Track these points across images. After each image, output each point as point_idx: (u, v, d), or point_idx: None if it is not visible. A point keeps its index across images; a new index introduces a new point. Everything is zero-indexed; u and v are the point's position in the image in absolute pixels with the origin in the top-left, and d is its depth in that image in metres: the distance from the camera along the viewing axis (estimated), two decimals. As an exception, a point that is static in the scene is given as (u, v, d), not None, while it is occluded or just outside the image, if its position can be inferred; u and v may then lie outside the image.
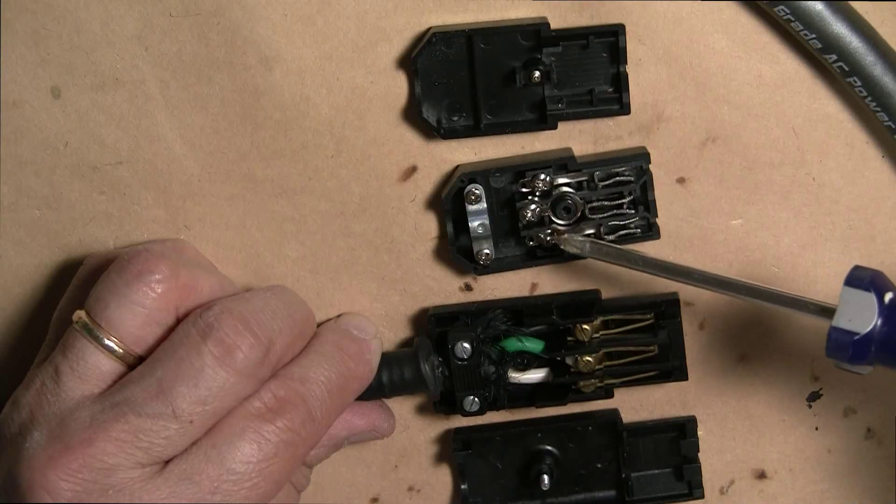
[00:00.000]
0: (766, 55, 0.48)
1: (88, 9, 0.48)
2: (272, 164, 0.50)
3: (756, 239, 0.51)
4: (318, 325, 0.50)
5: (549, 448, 0.53)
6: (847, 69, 0.46)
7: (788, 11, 0.46)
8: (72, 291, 0.48)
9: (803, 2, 0.45)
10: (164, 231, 0.50)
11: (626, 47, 0.48)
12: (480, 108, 0.48)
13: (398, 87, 0.49)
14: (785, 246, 0.51)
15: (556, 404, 0.52)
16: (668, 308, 0.51)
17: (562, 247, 0.49)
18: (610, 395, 0.52)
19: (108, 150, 0.49)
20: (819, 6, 0.45)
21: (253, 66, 0.48)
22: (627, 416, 0.53)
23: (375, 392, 0.50)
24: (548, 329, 0.51)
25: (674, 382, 0.52)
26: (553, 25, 0.47)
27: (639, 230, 0.50)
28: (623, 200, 0.49)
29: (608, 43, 0.48)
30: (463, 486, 0.53)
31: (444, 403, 0.52)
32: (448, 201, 0.49)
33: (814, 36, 0.46)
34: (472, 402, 0.51)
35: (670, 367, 0.51)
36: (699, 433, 0.53)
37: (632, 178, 0.49)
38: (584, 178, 0.49)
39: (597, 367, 0.50)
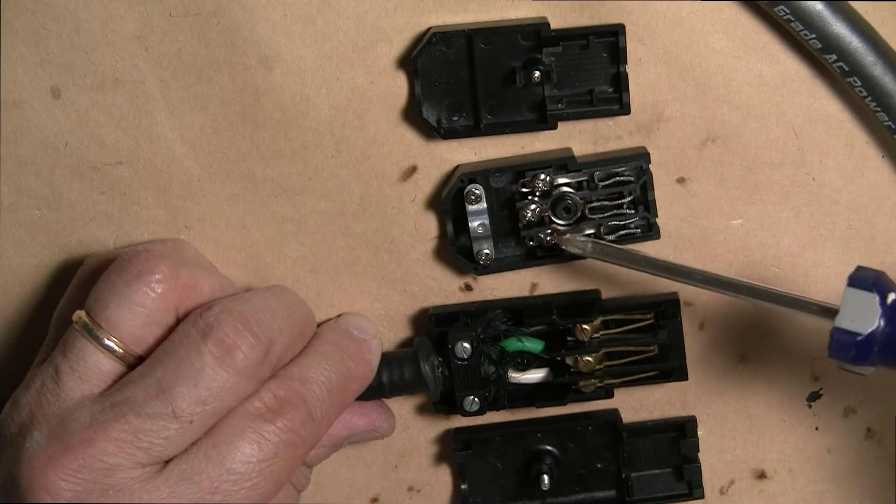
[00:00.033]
0: (766, 55, 0.48)
1: (88, 9, 0.48)
2: (272, 164, 0.50)
3: (756, 239, 0.51)
4: (318, 325, 0.50)
5: (549, 448, 0.53)
6: (847, 69, 0.46)
7: (788, 11, 0.46)
8: (72, 291, 0.48)
9: (803, 2, 0.45)
10: (164, 231, 0.50)
11: (626, 47, 0.48)
12: (480, 108, 0.48)
13: (398, 87, 0.49)
14: (785, 246, 0.51)
15: (556, 404, 0.52)
16: (668, 308, 0.51)
17: (563, 247, 0.49)
18: (610, 395, 0.52)
19: (108, 150, 0.49)
20: (819, 6, 0.45)
21: (253, 66, 0.48)
22: (627, 416, 0.53)
23: (375, 392, 0.50)
24: (548, 329, 0.51)
25: (674, 382, 0.52)
26: (553, 25, 0.47)
27: (639, 230, 0.50)
28: (623, 200, 0.49)
29: (608, 43, 0.48)
30: (463, 486, 0.53)
31: (444, 403, 0.52)
32: (448, 201, 0.49)
33: (814, 36, 0.46)
34: (472, 402, 0.51)
35: (670, 367, 0.51)
36: (699, 433, 0.53)
37: (632, 178, 0.49)
38: (584, 178, 0.49)
39: (597, 367, 0.50)
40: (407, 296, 0.52)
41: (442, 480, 0.55)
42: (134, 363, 0.45)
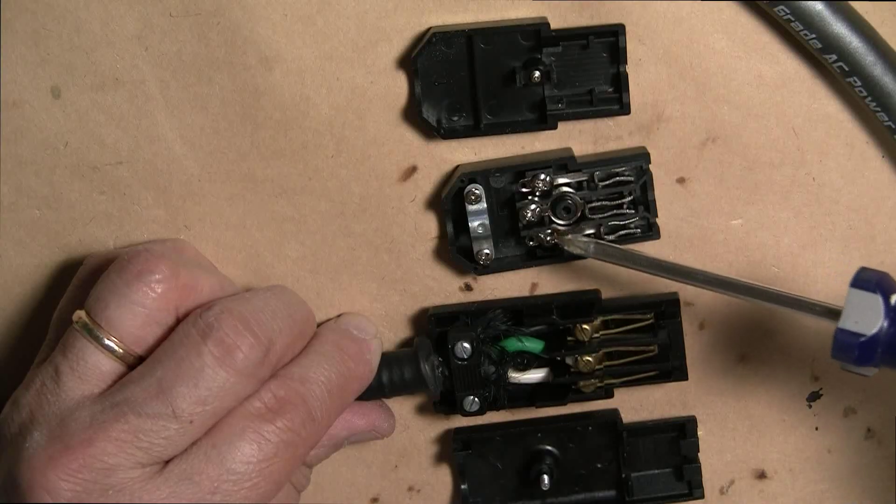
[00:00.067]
0: (766, 55, 0.48)
1: (88, 9, 0.48)
2: (272, 164, 0.50)
3: (756, 239, 0.51)
4: (318, 325, 0.50)
5: (549, 448, 0.53)
6: (847, 69, 0.46)
7: (788, 11, 0.46)
8: (72, 291, 0.48)
9: (803, 2, 0.45)
10: (164, 231, 0.50)
11: (626, 47, 0.48)
12: (480, 108, 0.48)
13: (398, 87, 0.49)
14: (785, 246, 0.51)
15: (556, 404, 0.52)
16: (668, 308, 0.51)
17: (565, 248, 0.49)
18: (610, 395, 0.52)
19: (108, 150, 0.49)
20: (819, 6, 0.45)
21: (253, 66, 0.48)
22: (627, 416, 0.53)
23: (375, 392, 0.50)
24: (548, 329, 0.51)
25: (674, 382, 0.52)
26: (553, 25, 0.47)
27: (639, 230, 0.50)
28: (623, 200, 0.49)
29: (608, 43, 0.48)
30: (463, 486, 0.53)
31: (444, 403, 0.51)
32: (448, 201, 0.49)
33: (814, 36, 0.46)
34: (472, 402, 0.51)
35: (670, 367, 0.51)
36: (699, 433, 0.53)
37: (632, 178, 0.49)
38: (584, 178, 0.49)
39: (597, 367, 0.50)
40: (407, 296, 0.52)
41: (442, 480, 0.55)
42: (134, 363, 0.45)
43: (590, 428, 0.53)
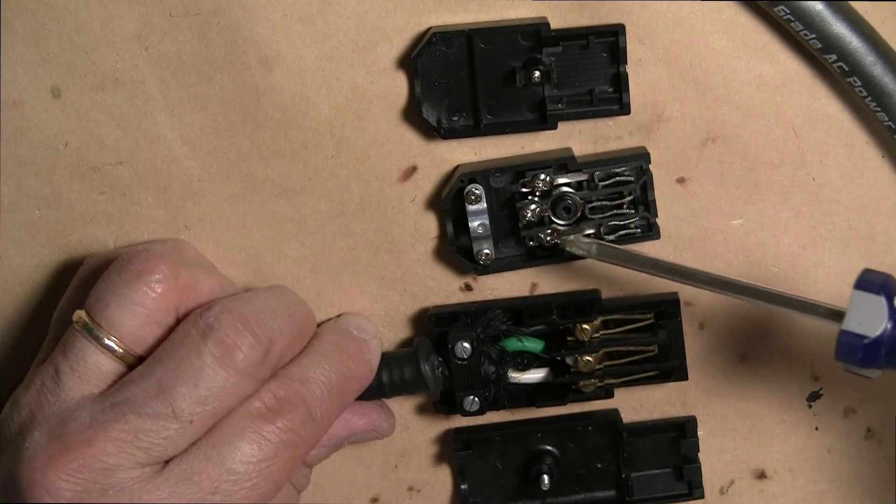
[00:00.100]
0: (766, 55, 0.48)
1: (88, 9, 0.48)
2: (272, 164, 0.50)
3: (756, 239, 0.51)
4: (318, 325, 0.50)
5: (549, 448, 0.53)
6: (847, 69, 0.46)
7: (788, 11, 0.46)
8: (72, 291, 0.48)
9: (803, 2, 0.45)
10: (164, 231, 0.50)
11: (626, 47, 0.48)
12: (480, 108, 0.48)
13: (398, 87, 0.49)
14: (785, 246, 0.51)
15: (556, 404, 0.52)
16: (668, 308, 0.51)
17: (567, 249, 0.49)
18: (610, 395, 0.52)
19: (108, 150, 0.49)
20: (819, 6, 0.45)
21: (253, 66, 0.48)
22: (627, 416, 0.53)
23: (375, 392, 0.50)
24: (548, 329, 0.51)
25: (674, 382, 0.52)
26: (553, 25, 0.47)
27: (639, 230, 0.50)
28: (623, 200, 0.49)
29: (608, 43, 0.48)
30: (463, 486, 0.53)
31: (444, 403, 0.51)
32: (448, 201, 0.49)
33: (814, 36, 0.46)
34: (472, 402, 0.51)
35: (670, 367, 0.51)
36: (699, 433, 0.53)
37: (632, 178, 0.49)
38: (584, 178, 0.49)
39: (597, 366, 0.50)
40: (407, 296, 0.52)
41: (442, 480, 0.55)
42: (134, 363, 0.45)
43: (590, 428, 0.53)
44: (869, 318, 0.40)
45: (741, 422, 0.54)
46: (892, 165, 0.50)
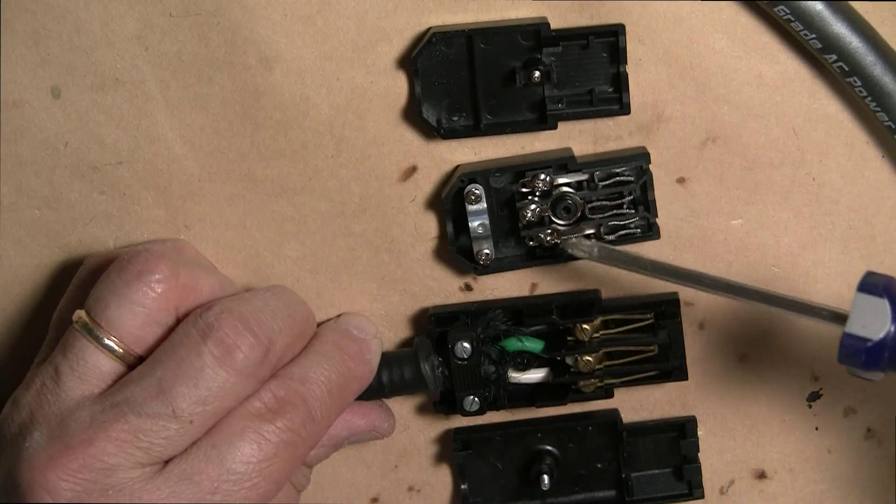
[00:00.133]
0: (766, 55, 0.48)
1: (88, 9, 0.48)
2: (272, 164, 0.50)
3: (756, 239, 0.51)
4: (318, 325, 0.50)
5: (549, 448, 0.53)
6: (847, 69, 0.46)
7: (788, 11, 0.46)
8: (72, 291, 0.48)
9: (803, 2, 0.45)
10: (164, 231, 0.50)
11: (626, 47, 0.48)
12: (480, 108, 0.48)
13: (398, 87, 0.49)
14: (785, 246, 0.51)
15: (556, 404, 0.52)
16: (668, 308, 0.51)
17: (569, 251, 0.48)
18: (610, 395, 0.52)
19: (108, 150, 0.49)
20: (819, 6, 0.45)
21: (253, 66, 0.48)
22: (627, 416, 0.53)
23: (375, 392, 0.50)
24: (548, 329, 0.51)
25: (674, 382, 0.52)
26: (553, 25, 0.47)
27: (639, 230, 0.50)
28: (623, 200, 0.49)
29: (608, 43, 0.48)
30: (463, 486, 0.53)
31: (444, 403, 0.51)
32: (448, 201, 0.49)
33: (814, 36, 0.46)
34: (472, 402, 0.51)
35: (670, 367, 0.51)
36: (699, 433, 0.53)
37: (632, 178, 0.49)
38: (584, 178, 0.49)
39: (597, 366, 0.50)
40: (407, 296, 0.52)
41: (442, 480, 0.55)
42: (134, 363, 0.45)
43: (590, 428, 0.53)
44: (872, 321, 0.40)
45: (741, 422, 0.54)
46: (892, 165, 0.50)
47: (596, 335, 0.51)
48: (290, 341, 0.46)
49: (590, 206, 0.49)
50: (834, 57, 0.46)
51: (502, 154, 0.50)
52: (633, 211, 0.49)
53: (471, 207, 0.49)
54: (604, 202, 0.49)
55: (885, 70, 0.46)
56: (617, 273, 0.51)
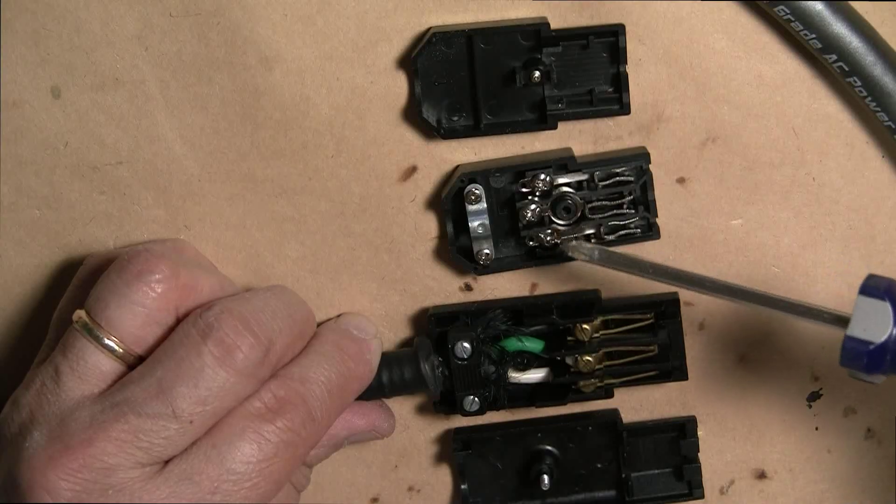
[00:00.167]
0: (766, 55, 0.48)
1: (88, 9, 0.48)
2: (272, 164, 0.50)
3: (756, 239, 0.51)
4: (318, 325, 0.50)
5: (549, 448, 0.53)
6: (847, 69, 0.46)
7: (788, 11, 0.46)
8: (72, 291, 0.48)
9: (803, 2, 0.45)
10: (164, 231, 0.50)
11: (626, 47, 0.48)
12: (480, 108, 0.48)
13: (398, 87, 0.49)
14: (785, 246, 0.51)
15: (556, 404, 0.52)
16: (668, 308, 0.51)
17: (570, 254, 0.48)
18: (610, 395, 0.52)
19: (108, 150, 0.49)
20: (819, 6, 0.45)
21: (253, 66, 0.48)
22: (627, 416, 0.53)
23: (375, 392, 0.50)
24: (548, 329, 0.51)
25: (674, 382, 0.52)
26: (553, 25, 0.47)
27: (639, 230, 0.50)
28: (623, 200, 0.49)
29: (608, 43, 0.48)
30: (463, 486, 0.53)
31: (444, 403, 0.51)
32: (448, 201, 0.49)
33: (814, 36, 0.46)
34: (472, 402, 0.51)
35: (670, 367, 0.51)
36: (699, 433, 0.53)
37: (632, 178, 0.49)
38: (584, 178, 0.49)
39: (597, 366, 0.50)
40: (407, 296, 0.52)
41: (442, 480, 0.55)
42: (134, 363, 0.45)
43: (590, 428, 0.53)
44: (874, 324, 0.40)
45: (741, 422, 0.54)
46: (892, 165, 0.50)
47: (596, 335, 0.51)
48: (290, 341, 0.46)
49: (590, 206, 0.49)
50: (834, 57, 0.46)
51: (502, 154, 0.50)
52: (633, 211, 0.49)
53: (471, 207, 0.49)
54: (604, 202, 0.49)
55: (885, 70, 0.46)
56: (617, 273, 0.51)
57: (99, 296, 0.45)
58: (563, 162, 0.49)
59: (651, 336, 0.51)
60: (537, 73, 0.47)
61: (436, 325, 0.51)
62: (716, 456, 0.54)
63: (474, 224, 0.49)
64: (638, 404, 0.54)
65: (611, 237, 0.49)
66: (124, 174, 0.50)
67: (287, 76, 0.48)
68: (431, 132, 0.49)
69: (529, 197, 0.49)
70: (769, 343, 0.52)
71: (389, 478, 0.55)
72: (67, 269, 0.50)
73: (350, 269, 0.51)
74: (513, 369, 0.51)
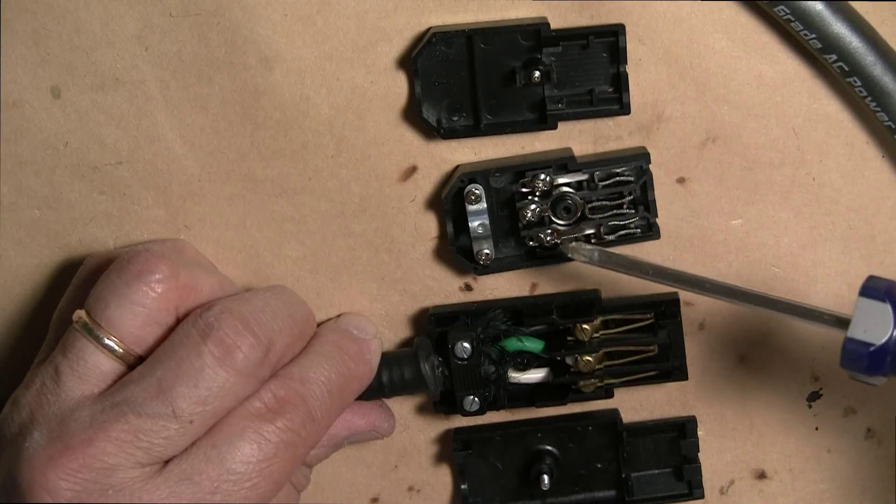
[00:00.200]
0: (766, 55, 0.48)
1: (88, 9, 0.48)
2: (272, 164, 0.50)
3: (756, 239, 0.51)
4: (318, 325, 0.50)
5: (549, 448, 0.53)
6: (847, 69, 0.46)
7: (788, 11, 0.46)
8: (72, 291, 0.48)
9: (803, 2, 0.45)
10: (164, 231, 0.50)
11: (626, 47, 0.48)
12: (480, 108, 0.48)
13: (398, 87, 0.49)
14: (785, 246, 0.51)
15: (556, 404, 0.52)
16: (668, 308, 0.51)
17: (569, 255, 0.48)
18: (610, 395, 0.52)
19: (108, 150, 0.49)
20: (819, 6, 0.45)
21: (253, 66, 0.48)
22: (627, 416, 0.53)
23: (375, 392, 0.50)
24: (548, 329, 0.51)
25: (674, 382, 0.52)
26: (553, 25, 0.47)
27: (639, 230, 0.50)
28: (623, 200, 0.49)
29: (608, 43, 0.48)
30: (463, 486, 0.53)
31: (444, 403, 0.51)
32: (448, 201, 0.49)
33: (814, 36, 0.46)
34: (472, 402, 0.51)
35: (670, 367, 0.51)
36: (699, 433, 0.53)
37: (632, 178, 0.49)
38: (584, 178, 0.49)
39: (597, 366, 0.50)
40: (407, 296, 0.52)
41: (442, 480, 0.55)
42: (134, 363, 0.45)
43: (590, 428, 0.53)
44: (874, 326, 0.40)
45: (741, 422, 0.54)
46: (892, 165, 0.50)
47: (596, 335, 0.51)
48: (290, 341, 0.46)
49: (590, 206, 0.49)
50: (834, 57, 0.46)
51: (502, 154, 0.50)
52: (633, 211, 0.49)
53: (471, 207, 0.49)
54: (604, 202, 0.49)
55: (885, 70, 0.46)
56: (617, 273, 0.51)
57: (99, 296, 0.45)
58: (563, 162, 0.49)
59: (651, 336, 0.51)
60: (537, 73, 0.47)
61: (436, 325, 0.51)
62: (716, 456, 0.54)
63: (474, 224, 0.49)
64: (638, 404, 0.54)
65: (611, 237, 0.49)
66: (124, 174, 0.50)
67: (287, 76, 0.48)
68: (431, 132, 0.49)
69: (529, 197, 0.49)
70: (769, 343, 0.52)
71: (389, 478, 0.55)
72: (67, 269, 0.51)
73: (350, 269, 0.51)
74: (513, 369, 0.51)
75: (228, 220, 0.50)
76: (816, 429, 0.54)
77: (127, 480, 0.42)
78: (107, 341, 0.44)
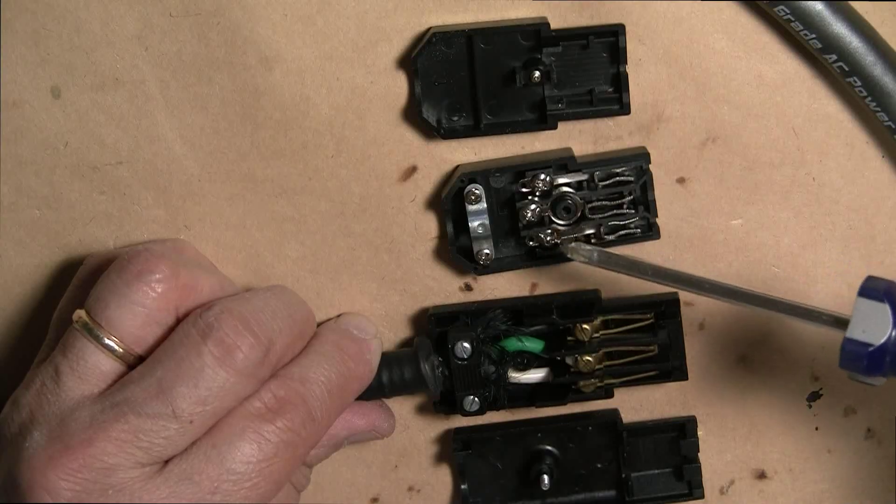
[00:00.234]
0: (766, 55, 0.48)
1: (88, 9, 0.48)
2: (272, 164, 0.50)
3: (756, 239, 0.51)
4: (318, 325, 0.50)
5: (549, 448, 0.53)
6: (847, 69, 0.46)
7: (788, 11, 0.46)
8: (72, 291, 0.48)
9: (803, 2, 0.45)
10: (164, 231, 0.50)
11: (626, 47, 0.48)
12: (480, 108, 0.48)
13: (398, 87, 0.49)
14: (785, 246, 0.51)
15: (556, 404, 0.52)
16: (668, 308, 0.51)
17: (569, 255, 0.48)
18: (610, 395, 0.52)
19: (108, 150, 0.49)
20: (819, 6, 0.45)
21: (253, 66, 0.48)
22: (627, 416, 0.53)
23: (375, 392, 0.50)
24: (548, 329, 0.51)
25: (674, 382, 0.52)
26: (553, 25, 0.47)
27: (639, 230, 0.50)
28: (623, 200, 0.49)
29: (608, 43, 0.48)
30: (463, 486, 0.53)
31: (444, 403, 0.51)
32: (448, 201, 0.49)
33: (814, 36, 0.46)
34: (472, 402, 0.51)
35: (670, 367, 0.51)
36: (699, 433, 0.53)
37: (632, 178, 0.49)
38: (584, 178, 0.49)
39: (597, 366, 0.50)
40: (407, 296, 0.52)
41: (442, 480, 0.55)
42: (134, 363, 0.45)
43: (590, 428, 0.53)
44: (873, 326, 0.40)
45: (741, 422, 0.54)
46: (892, 165, 0.50)
47: (596, 335, 0.51)
48: (290, 341, 0.46)
49: (590, 206, 0.49)
50: (834, 57, 0.46)
51: (502, 154, 0.50)
52: (633, 211, 0.49)
53: (471, 207, 0.49)
54: (604, 202, 0.49)
55: (885, 70, 0.46)
56: (617, 273, 0.51)
57: (99, 296, 0.45)
58: (563, 162, 0.49)
59: (651, 336, 0.51)
60: (537, 73, 0.47)
61: (436, 325, 0.51)
62: (716, 456, 0.54)
63: (474, 224, 0.49)
64: (638, 404, 0.54)
65: (611, 237, 0.49)
66: (124, 174, 0.50)
67: (287, 76, 0.48)
68: (431, 132, 0.49)
69: (529, 197, 0.49)
70: (769, 343, 0.52)
71: (389, 478, 0.55)
72: (67, 269, 0.51)
73: (350, 269, 0.51)
74: (513, 369, 0.51)
75: (228, 220, 0.50)
76: (816, 429, 0.54)
77: (127, 480, 0.42)
78: (107, 341, 0.44)
